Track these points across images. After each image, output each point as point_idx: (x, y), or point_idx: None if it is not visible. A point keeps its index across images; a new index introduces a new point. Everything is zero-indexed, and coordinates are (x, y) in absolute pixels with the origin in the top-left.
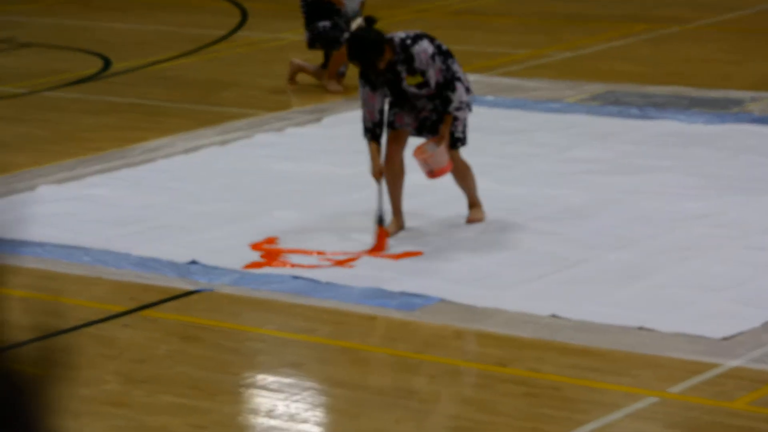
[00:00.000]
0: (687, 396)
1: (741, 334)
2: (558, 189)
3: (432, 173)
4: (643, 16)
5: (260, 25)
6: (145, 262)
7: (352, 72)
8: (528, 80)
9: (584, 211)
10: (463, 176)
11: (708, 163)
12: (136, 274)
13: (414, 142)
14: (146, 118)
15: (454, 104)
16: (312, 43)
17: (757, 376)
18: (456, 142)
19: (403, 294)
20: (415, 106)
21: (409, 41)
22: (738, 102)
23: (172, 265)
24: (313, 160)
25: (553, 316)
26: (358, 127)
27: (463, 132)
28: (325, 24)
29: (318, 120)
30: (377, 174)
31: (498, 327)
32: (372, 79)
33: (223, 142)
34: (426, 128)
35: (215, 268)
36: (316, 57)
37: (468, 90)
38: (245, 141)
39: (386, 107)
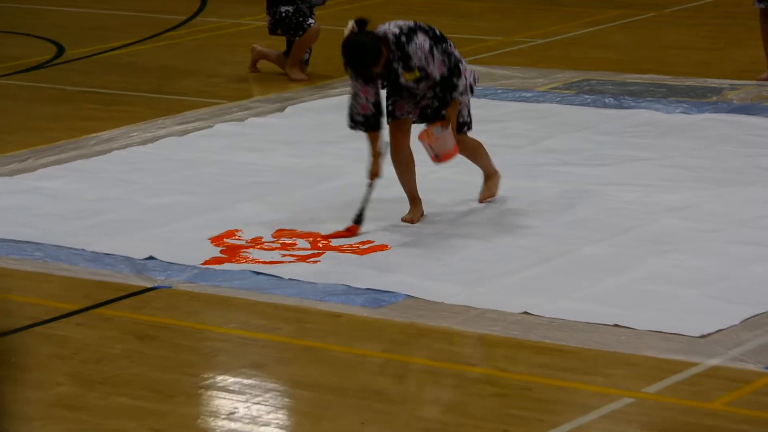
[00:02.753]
0: (663, 396)
1: (719, 331)
2: (531, 181)
3: (437, 158)
4: (617, 2)
5: (220, 10)
6: (99, 258)
7: (315, 59)
8: (499, 68)
9: (558, 203)
10: (475, 155)
11: (685, 154)
12: (90, 270)
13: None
14: (102, 107)
15: (459, 89)
16: (273, 29)
17: (735, 376)
18: (462, 126)
19: (368, 291)
20: (414, 95)
21: (404, 38)
22: (716, 90)
23: (128, 261)
24: (275, 150)
25: (525, 313)
26: (322, 117)
27: (469, 116)
28: (287, 9)
29: (281, 109)
30: (373, 174)
31: (467, 325)
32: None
33: (183, 132)
34: (428, 116)
35: (173, 264)
36: (280, 43)
37: (472, 72)
38: (205, 131)
39: (382, 97)
